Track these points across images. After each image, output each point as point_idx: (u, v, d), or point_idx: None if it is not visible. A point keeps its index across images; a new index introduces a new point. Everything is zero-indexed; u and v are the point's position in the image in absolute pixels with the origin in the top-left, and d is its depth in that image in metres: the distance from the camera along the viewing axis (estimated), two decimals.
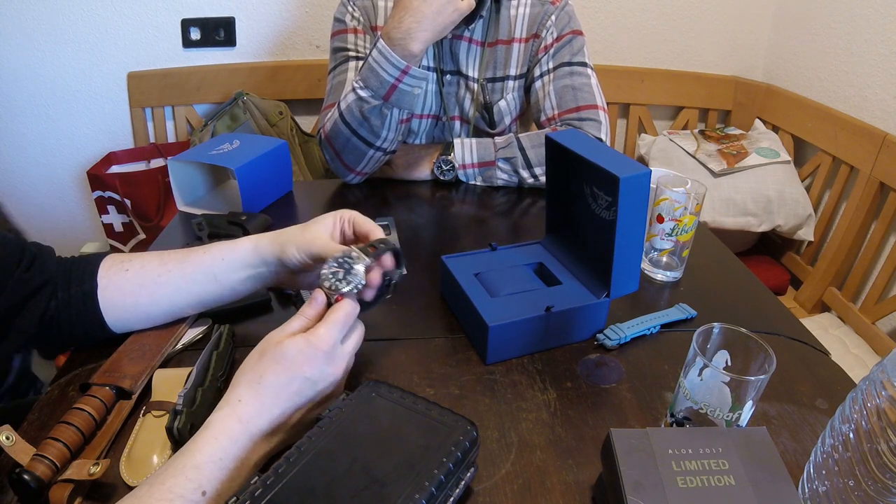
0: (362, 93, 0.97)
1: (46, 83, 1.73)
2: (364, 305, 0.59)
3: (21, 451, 0.49)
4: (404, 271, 0.63)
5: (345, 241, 0.65)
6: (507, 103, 1.16)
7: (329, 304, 0.57)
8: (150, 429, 0.56)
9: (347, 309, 0.56)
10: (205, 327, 0.69)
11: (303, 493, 0.43)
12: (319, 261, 0.60)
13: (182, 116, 1.84)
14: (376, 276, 0.59)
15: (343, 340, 0.56)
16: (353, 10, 1.11)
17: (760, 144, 1.81)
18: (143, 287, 0.64)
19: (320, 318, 0.56)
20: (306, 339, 0.52)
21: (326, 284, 0.57)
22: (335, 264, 0.57)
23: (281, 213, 1.02)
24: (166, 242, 0.93)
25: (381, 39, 0.95)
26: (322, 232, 0.62)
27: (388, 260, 0.61)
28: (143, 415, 0.57)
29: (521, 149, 1.07)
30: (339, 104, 1.02)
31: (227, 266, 0.64)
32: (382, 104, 0.98)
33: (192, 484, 0.44)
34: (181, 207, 1.03)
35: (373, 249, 0.59)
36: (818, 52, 1.82)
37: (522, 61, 1.15)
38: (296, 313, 0.56)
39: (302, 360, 0.52)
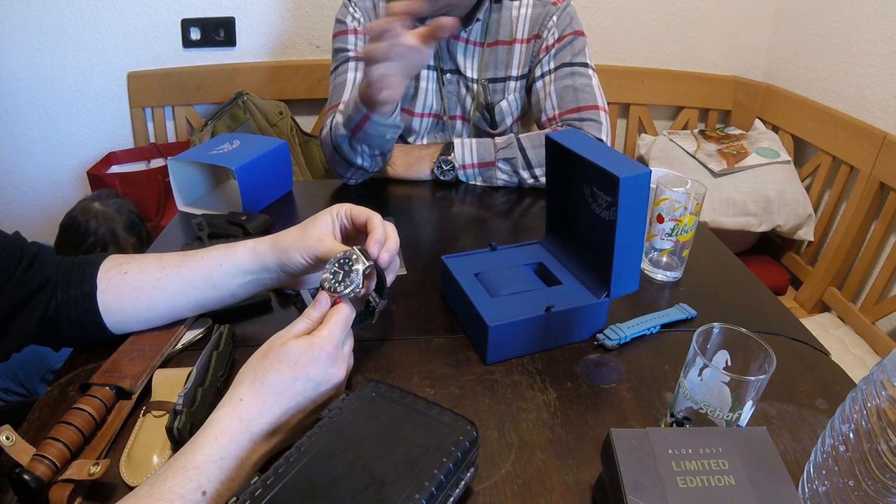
0: (339, 117, 0.98)
1: (46, 83, 1.73)
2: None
3: (21, 451, 0.49)
4: (386, 300, 0.62)
5: (345, 236, 0.65)
6: (508, 104, 1.16)
7: (362, 315, 0.57)
8: (150, 429, 0.56)
9: (347, 310, 0.56)
10: (205, 327, 0.69)
11: (303, 493, 0.43)
12: (323, 261, 0.60)
13: (182, 116, 1.84)
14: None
15: (343, 342, 0.56)
16: (354, 10, 1.11)
17: (760, 144, 1.81)
18: (142, 291, 0.63)
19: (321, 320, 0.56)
20: (310, 341, 0.53)
21: (326, 286, 0.56)
22: (336, 265, 0.57)
23: (281, 213, 1.02)
24: (166, 242, 0.93)
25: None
26: (324, 233, 0.62)
27: (371, 283, 0.60)
28: (143, 415, 0.57)
29: (522, 149, 1.07)
30: (333, 117, 1.03)
31: (226, 273, 0.64)
32: (351, 137, 0.97)
33: (192, 484, 0.44)
34: (181, 207, 1.03)
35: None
36: (818, 52, 1.82)
37: (524, 62, 1.15)
38: (299, 315, 0.56)
39: (306, 360, 0.52)
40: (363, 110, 0.93)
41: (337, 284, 0.56)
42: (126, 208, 1.39)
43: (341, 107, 1.00)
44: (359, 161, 1.01)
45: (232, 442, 0.47)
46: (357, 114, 0.93)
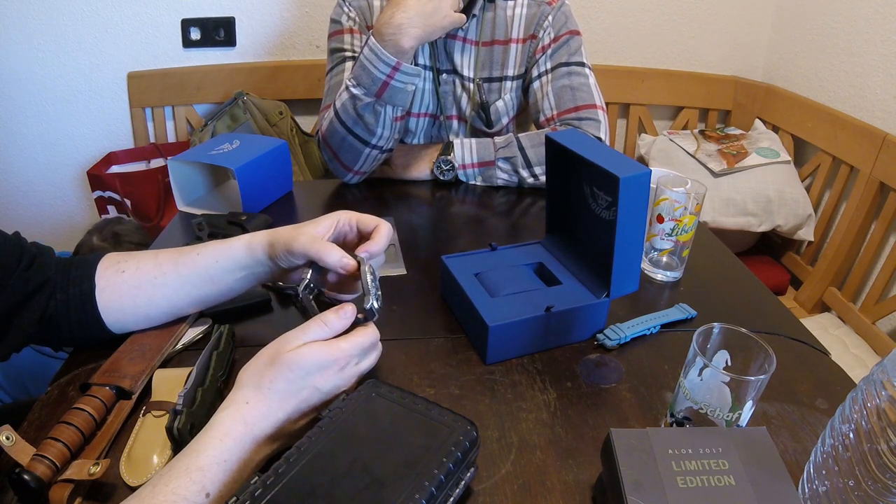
0: (355, 90, 0.97)
1: (46, 83, 1.73)
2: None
3: (21, 451, 0.49)
4: (375, 300, 0.60)
5: (347, 244, 0.65)
6: (504, 103, 1.16)
7: (356, 321, 0.56)
8: (150, 429, 0.56)
9: (375, 335, 0.57)
10: (205, 327, 0.69)
11: (303, 493, 0.43)
12: (305, 258, 0.60)
13: (182, 116, 1.84)
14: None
15: (359, 359, 0.56)
16: (349, 10, 1.11)
17: (760, 144, 1.81)
18: (140, 289, 0.63)
19: (343, 331, 0.55)
20: (327, 350, 0.52)
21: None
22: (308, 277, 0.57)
23: (281, 213, 1.02)
24: (166, 243, 0.93)
25: (372, 37, 0.95)
26: (310, 231, 0.61)
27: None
28: (143, 415, 0.57)
29: (521, 148, 1.07)
30: (334, 103, 1.03)
31: (222, 268, 0.64)
32: (375, 101, 0.98)
33: (195, 486, 0.44)
34: (181, 207, 1.03)
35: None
36: (818, 52, 1.82)
37: (520, 62, 1.15)
38: (299, 315, 0.56)
39: (316, 370, 0.52)
40: (392, 62, 0.94)
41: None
42: (125, 239, 1.38)
43: (341, 92, 1.00)
44: (379, 130, 1.01)
45: (236, 444, 0.47)
46: (383, 69, 0.94)
